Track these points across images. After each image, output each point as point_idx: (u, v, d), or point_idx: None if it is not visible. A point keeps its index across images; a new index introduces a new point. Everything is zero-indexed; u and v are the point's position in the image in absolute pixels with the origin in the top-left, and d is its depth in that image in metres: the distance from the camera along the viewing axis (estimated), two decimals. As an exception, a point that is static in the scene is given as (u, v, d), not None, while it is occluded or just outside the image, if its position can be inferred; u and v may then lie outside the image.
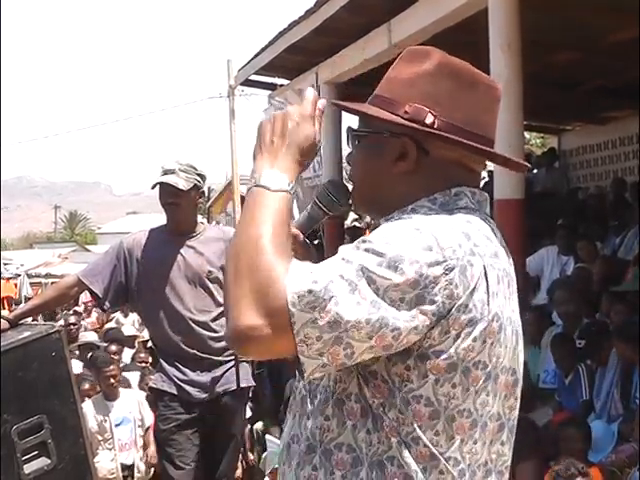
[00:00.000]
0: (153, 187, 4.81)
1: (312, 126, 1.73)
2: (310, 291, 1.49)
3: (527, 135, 19.32)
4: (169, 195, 4.77)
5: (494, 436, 1.70)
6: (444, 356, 1.57)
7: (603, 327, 6.74)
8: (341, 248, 1.58)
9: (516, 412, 1.77)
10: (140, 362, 8.96)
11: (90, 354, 8.85)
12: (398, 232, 1.58)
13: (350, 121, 1.93)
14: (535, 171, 14.57)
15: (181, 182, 4.71)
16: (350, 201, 1.89)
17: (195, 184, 4.77)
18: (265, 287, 1.49)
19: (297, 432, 1.72)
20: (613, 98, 12.23)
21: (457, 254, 1.57)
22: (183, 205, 4.78)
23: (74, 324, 11.75)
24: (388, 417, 1.60)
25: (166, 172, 4.75)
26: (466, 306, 1.57)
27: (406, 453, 1.59)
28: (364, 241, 1.56)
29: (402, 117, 1.73)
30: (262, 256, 1.53)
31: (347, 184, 1.92)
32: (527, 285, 8.25)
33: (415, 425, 1.59)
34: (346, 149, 1.90)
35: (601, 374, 6.35)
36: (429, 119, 1.72)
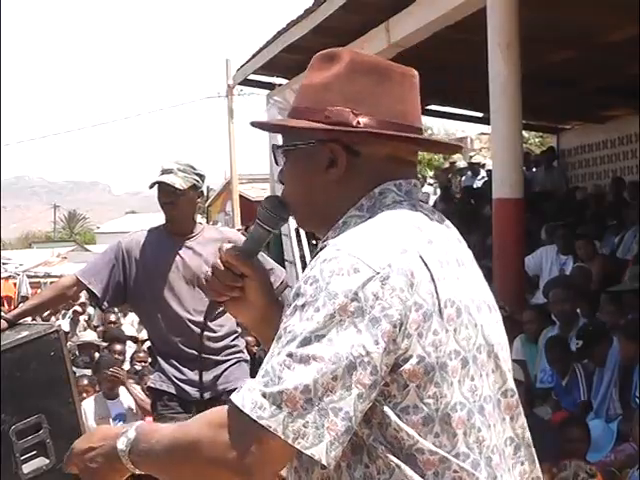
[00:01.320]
0: (151, 187, 4.80)
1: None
2: (264, 394, 1.47)
3: (526, 134, 19.32)
4: (167, 195, 4.76)
5: (499, 415, 1.66)
6: (416, 360, 1.53)
7: (600, 327, 6.74)
8: (284, 321, 1.53)
9: (510, 382, 1.71)
10: (139, 361, 8.95)
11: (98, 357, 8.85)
12: (323, 269, 1.52)
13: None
14: (534, 170, 14.58)
15: (178, 181, 4.70)
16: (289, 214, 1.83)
17: (193, 184, 4.76)
18: (213, 444, 1.52)
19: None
20: (612, 97, 12.25)
21: (387, 260, 1.53)
22: (181, 205, 4.77)
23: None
24: (385, 442, 1.54)
25: (164, 172, 4.74)
26: (415, 303, 1.53)
27: (410, 470, 1.54)
28: (297, 295, 1.53)
29: (324, 123, 1.68)
30: (176, 453, 1.58)
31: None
32: (525, 284, 8.25)
33: (415, 435, 1.54)
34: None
35: (599, 374, 6.35)
36: (352, 119, 1.67)
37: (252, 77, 13.04)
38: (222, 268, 1.81)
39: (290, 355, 1.47)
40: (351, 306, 1.48)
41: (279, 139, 1.83)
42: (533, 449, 1.73)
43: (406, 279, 1.53)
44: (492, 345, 1.66)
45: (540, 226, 10.41)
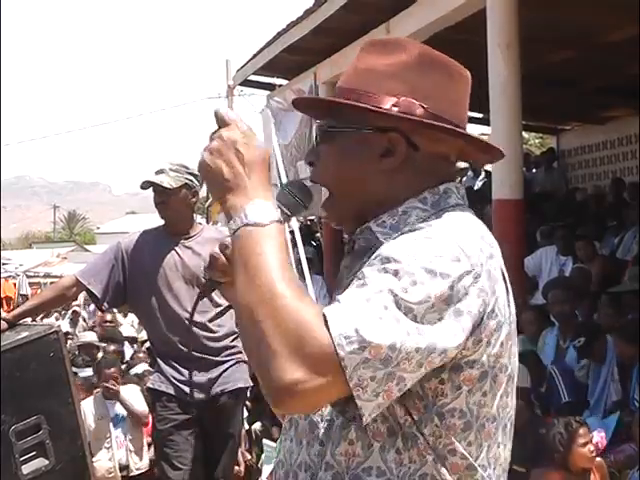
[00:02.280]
0: (141, 187, 4.83)
1: (256, 139, 1.57)
2: (357, 330, 1.38)
3: (526, 135, 19.32)
4: (158, 194, 4.79)
5: (509, 436, 1.68)
6: (477, 366, 1.52)
7: (595, 325, 6.75)
8: (367, 272, 1.45)
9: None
10: (144, 362, 8.95)
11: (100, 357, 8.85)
12: (423, 247, 1.48)
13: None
14: (534, 171, 14.57)
15: (167, 180, 4.72)
16: (321, 206, 1.72)
17: (185, 183, 4.77)
18: (302, 337, 1.37)
19: (306, 460, 1.61)
20: (612, 97, 12.25)
21: (481, 259, 1.51)
22: (173, 204, 4.77)
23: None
24: (423, 434, 1.53)
25: (156, 172, 4.77)
26: (492, 311, 1.52)
27: (442, 468, 1.54)
28: (389, 260, 1.45)
29: (390, 111, 1.62)
30: (285, 305, 1.40)
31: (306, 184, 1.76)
32: (525, 285, 8.25)
33: (452, 438, 1.53)
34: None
35: (596, 371, 6.35)
36: (420, 112, 1.62)
37: (252, 78, 13.03)
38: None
39: (386, 308, 1.40)
40: (445, 293, 1.44)
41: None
42: None
43: (491, 284, 1.52)
44: (513, 369, 1.65)
45: (540, 227, 10.41)
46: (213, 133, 1.56)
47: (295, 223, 9.77)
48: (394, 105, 1.62)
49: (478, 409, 1.55)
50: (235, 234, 1.48)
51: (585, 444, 4.90)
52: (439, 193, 1.65)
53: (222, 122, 1.57)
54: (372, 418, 1.45)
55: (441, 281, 1.44)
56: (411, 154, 1.64)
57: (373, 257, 1.49)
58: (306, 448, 1.62)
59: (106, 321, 12.24)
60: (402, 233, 1.56)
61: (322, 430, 1.59)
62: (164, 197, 4.77)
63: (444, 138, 1.65)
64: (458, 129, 1.65)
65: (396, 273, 1.43)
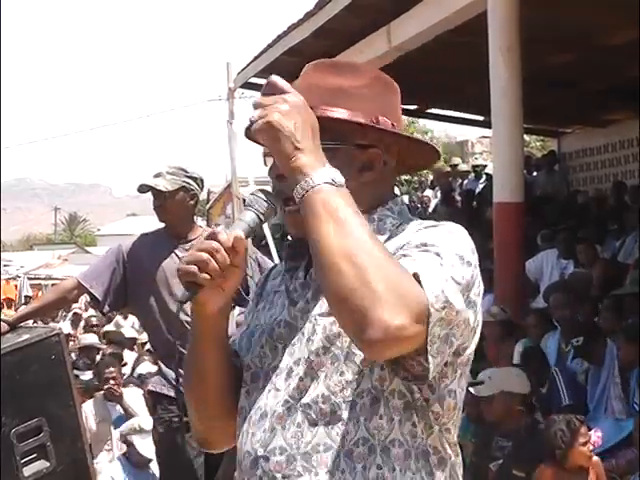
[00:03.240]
0: (138, 191, 4.82)
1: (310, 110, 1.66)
2: (442, 291, 1.52)
3: (527, 138, 19.31)
4: (154, 198, 4.79)
5: None
6: (468, 351, 1.67)
7: (596, 326, 6.74)
8: (414, 254, 1.59)
9: None
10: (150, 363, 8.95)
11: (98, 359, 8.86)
12: (449, 237, 1.64)
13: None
14: (535, 174, 14.56)
15: (162, 183, 4.72)
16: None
17: (182, 186, 4.76)
18: (405, 287, 1.48)
19: (324, 441, 1.66)
20: (613, 100, 12.24)
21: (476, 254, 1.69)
22: (170, 207, 4.77)
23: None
24: (431, 410, 1.67)
25: (154, 175, 4.77)
26: (479, 304, 1.67)
27: (444, 440, 1.70)
28: (426, 245, 1.61)
29: (389, 127, 1.78)
30: (386, 256, 1.51)
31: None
32: (526, 289, 8.25)
33: (447, 417, 1.70)
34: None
35: (595, 376, 6.35)
36: (392, 129, 1.79)
37: (253, 80, 13.01)
38: (224, 252, 1.65)
39: (447, 280, 1.55)
40: (469, 279, 1.61)
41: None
42: None
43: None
44: None
45: (541, 230, 10.40)
46: (263, 97, 1.64)
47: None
48: (375, 122, 1.77)
49: (461, 392, 1.72)
50: (314, 189, 1.56)
51: (585, 443, 4.93)
52: (400, 203, 1.84)
53: (278, 89, 1.64)
54: (432, 375, 1.57)
55: (467, 267, 1.61)
56: (382, 168, 1.80)
57: (402, 246, 1.64)
58: (325, 431, 1.66)
59: (93, 325, 12.31)
60: (397, 233, 1.74)
61: (345, 412, 1.66)
62: (161, 200, 4.77)
63: (395, 153, 1.82)
64: (430, 143, 1.87)
65: (438, 254, 1.58)
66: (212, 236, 1.65)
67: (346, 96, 1.76)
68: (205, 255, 1.63)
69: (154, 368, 7.82)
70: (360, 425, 1.65)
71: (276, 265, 1.99)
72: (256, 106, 1.64)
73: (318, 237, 1.53)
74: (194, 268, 1.64)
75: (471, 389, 5.40)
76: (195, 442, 1.95)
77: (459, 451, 1.75)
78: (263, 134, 1.62)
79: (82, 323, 14.81)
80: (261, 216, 1.72)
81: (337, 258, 1.50)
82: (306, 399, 1.68)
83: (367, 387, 1.65)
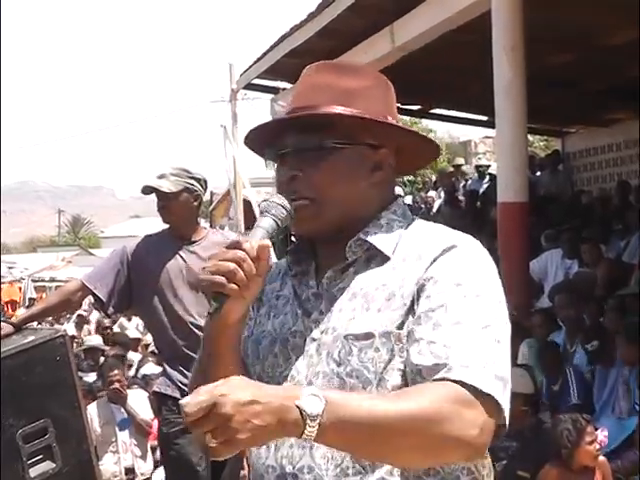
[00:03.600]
0: (142, 192, 4.82)
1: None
2: (495, 376, 1.57)
3: (531, 138, 19.31)
4: (158, 199, 4.79)
5: None
6: None
7: (605, 329, 6.74)
8: (456, 304, 1.62)
9: None
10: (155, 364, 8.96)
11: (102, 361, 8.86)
12: (477, 267, 1.71)
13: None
14: (539, 174, 14.55)
15: (166, 185, 4.71)
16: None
17: (186, 187, 4.76)
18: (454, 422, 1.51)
19: (354, 465, 1.63)
20: (614, 100, 12.24)
21: None
22: (173, 208, 4.77)
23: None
24: None
25: (157, 177, 4.77)
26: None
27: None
28: (459, 284, 1.64)
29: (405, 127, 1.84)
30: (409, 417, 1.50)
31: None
32: (531, 289, 8.24)
33: None
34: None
35: (601, 377, 6.34)
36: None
37: (256, 81, 13.03)
38: (250, 261, 1.59)
39: (496, 340, 1.61)
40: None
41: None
42: None
43: None
44: None
45: (545, 230, 10.39)
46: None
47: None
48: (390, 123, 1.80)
49: None
50: (324, 435, 1.44)
51: (591, 442, 4.93)
52: (402, 204, 1.85)
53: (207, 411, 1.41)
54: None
55: (503, 308, 1.68)
56: (390, 169, 1.82)
57: (437, 283, 1.64)
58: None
59: (105, 327, 12.29)
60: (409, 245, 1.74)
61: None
62: (165, 201, 4.77)
63: (394, 153, 1.83)
64: (433, 140, 1.89)
65: (477, 296, 1.63)
66: (236, 245, 1.60)
67: (356, 96, 1.76)
68: (232, 265, 1.57)
69: (158, 369, 7.84)
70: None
71: (271, 267, 1.89)
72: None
73: (367, 450, 1.52)
74: (222, 279, 1.57)
75: None
76: (200, 450, 1.89)
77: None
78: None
79: (93, 325, 14.79)
80: (279, 222, 1.70)
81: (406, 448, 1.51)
82: None
83: None
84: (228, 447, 1.40)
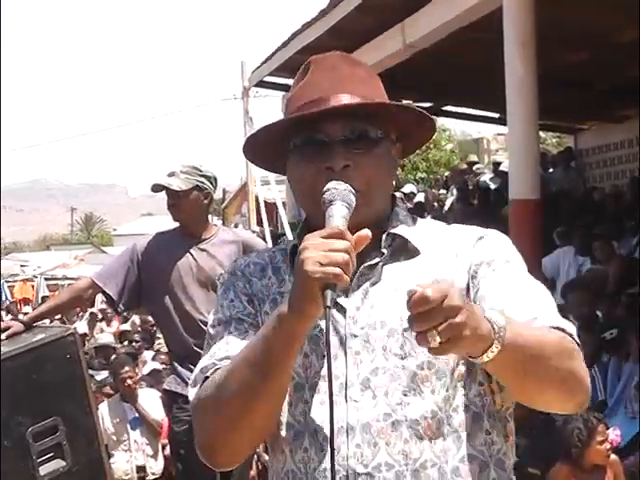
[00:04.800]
0: (152, 190, 4.82)
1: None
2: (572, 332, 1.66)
3: (543, 134, 19.24)
4: (169, 197, 4.79)
5: None
6: None
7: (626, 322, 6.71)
8: (518, 270, 1.77)
9: None
10: (161, 363, 8.97)
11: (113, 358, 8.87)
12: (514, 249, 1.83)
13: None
14: (551, 171, 14.50)
15: (176, 183, 4.71)
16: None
17: (197, 185, 4.76)
18: (575, 361, 1.62)
19: (430, 457, 1.61)
20: (629, 96, 12.18)
21: None
22: (184, 206, 4.76)
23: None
24: (507, 419, 1.74)
25: (167, 175, 4.76)
26: None
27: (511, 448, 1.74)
28: (510, 260, 1.77)
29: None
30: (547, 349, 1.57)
31: None
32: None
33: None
34: None
35: (617, 368, 6.31)
36: None
37: (268, 79, 13.02)
38: (352, 248, 1.50)
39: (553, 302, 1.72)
40: None
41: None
42: None
43: None
44: None
45: (558, 227, 10.36)
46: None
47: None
48: None
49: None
50: (505, 350, 1.45)
51: (603, 442, 4.90)
52: (397, 197, 1.88)
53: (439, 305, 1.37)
54: None
55: None
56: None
57: (491, 264, 1.72)
58: (429, 446, 1.62)
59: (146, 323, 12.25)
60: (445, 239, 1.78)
61: (446, 427, 1.64)
62: (175, 199, 4.76)
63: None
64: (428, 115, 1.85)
65: (524, 268, 1.78)
66: (340, 235, 1.50)
67: (370, 86, 1.78)
68: (347, 256, 1.47)
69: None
70: (462, 442, 1.64)
71: (249, 263, 1.86)
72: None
73: (532, 366, 1.55)
74: (338, 270, 1.46)
75: None
76: (203, 458, 1.75)
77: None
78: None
79: (130, 322, 14.75)
80: (350, 209, 1.64)
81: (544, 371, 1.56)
82: (414, 414, 1.62)
83: (465, 403, 1.66)
84: (451, 345, 1.36)
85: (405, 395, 1.62)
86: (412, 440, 1.61)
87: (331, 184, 1.64)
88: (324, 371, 1.65)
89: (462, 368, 1.65)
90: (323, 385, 1.65)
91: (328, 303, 1.47)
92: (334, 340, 1.65)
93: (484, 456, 1.65)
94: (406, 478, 1.60)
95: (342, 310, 1.68)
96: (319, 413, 1.65)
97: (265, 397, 1.60)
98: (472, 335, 1.38)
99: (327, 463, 1.60)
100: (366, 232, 1.54)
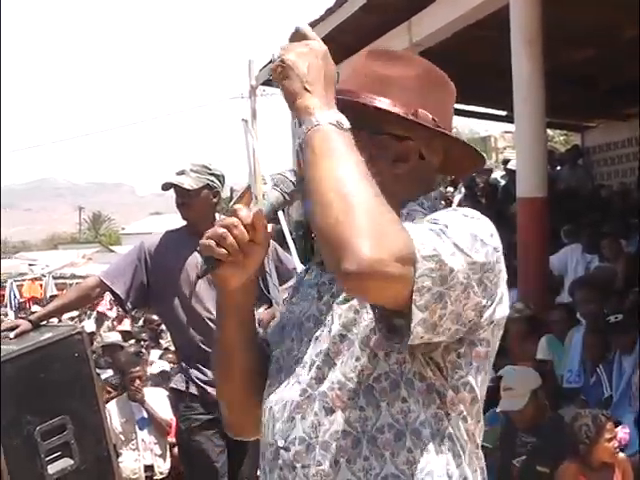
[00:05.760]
0: (163, 188, 4.83)
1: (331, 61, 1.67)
2: (433, 245, 1.50)
3: (550, 132, 19.21)
4: (178, 195, 4.79)
5: None
6: (485, 344, 1.66)
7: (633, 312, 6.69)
8: (422, 225, 1.57)
9: None
10: (169, 362, 8.98)
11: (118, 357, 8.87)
12: (464, 219, 1.60)
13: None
14: (558, 168, 14.48)
15: (187, 181, 4.72)
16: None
17: (207, 184, 4.77)
18: (391, 227, 1.47)
19: (344, 428, 1.64)
20: (630, 95, 12.16)
21: (501, 245, 1.64)
22: (194, 205, 4.77)
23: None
24: (448, 398, 1.65)
25: (177, 173, 4.77)
26: (501, 297, 1.63)
27: (462, 427, 1.67)
28: (436, 221, 1.57)
29: (427, 121, 1.75)
30: (378, 195, 1.50)
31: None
32: (551, 283, 8.20)
33: (464, 408, 1.66)
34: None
35: (621, 360, 6.30)
36: (433, 124, 1.76)
37: (275, 77, 13.04)
38: (242, 228, 1.65)
39: (456, 246, 1.52)
40: (481, 260, 1.56)
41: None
42: None
43: (504, 269, 1.64)
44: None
45: (565, 224, 10.34)
46: (291, 41, 1.67)
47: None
48: (413, 115, 1.74)
49: (480, 387, 1.68)
50: (316, 127, 1.56)
51: (611, 439, 4.89)
52: (432, 199, 1.80)
53: (303, 37, 1.67)
54: (415, 336, 1.52)
55: (482, 246, 1.57)
56: (418, 162, 1.78)
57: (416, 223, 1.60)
58: (342, 417, 1.65)
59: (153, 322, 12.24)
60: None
61: (363, 397, 1.64)
62: (185, 198, 4.77)
63: (439, 151, 1.80)
64: (473, 146, 1.82)
65: (445, 227, 1.55)
66: (232, 212, 1.67)
67: (389, 85, 1.76)
68: (221, 230, 1.65)
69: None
70: (382, 410, 1.63)
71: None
72: (280, 48, 1.67)
73: (313, 173, 1.54)
74: (211, 242, 1.65)
75: (504, 406, 5.35)
76: (226, 428, 2.00)
77: (478, 442, 1.72)
78: (276, 72, 1.66)
79: (140, 322, 14.74)
80: (286, 196, 1.73)
81: (328, 192, 1.50)
82: (323, 387, 1.68)
83: (385, 371, 1.64)
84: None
85: (319, 369, 1.69)
86: (321, 412, 1.66)
87: (285, 171, 1.75)
88: (299, 354, 1.74)
89: (376, 336, 1.63)
90: (294, 367, 1.75)
91: (198, 272, 1.73)
92: (311, 326, 1.75)
93: (399, 424, 1.63)
94: (316, 450, 1.65)
95: (320, 297, 1.78)
96: (283, 391, 1.75)
97: (221, 347, 1.85)
98: (294, 79, 1.62)
99: (267, 437, 1.75)
100: (259, 210, 1.67)
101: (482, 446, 1.75)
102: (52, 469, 4.14)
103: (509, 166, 14.52)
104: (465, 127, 32.14)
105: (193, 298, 4.71)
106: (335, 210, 1.47)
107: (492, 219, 1.68)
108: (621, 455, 5.03)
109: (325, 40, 1.68)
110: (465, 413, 1.66)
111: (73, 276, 28.25)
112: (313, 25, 9.85)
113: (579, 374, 6.75)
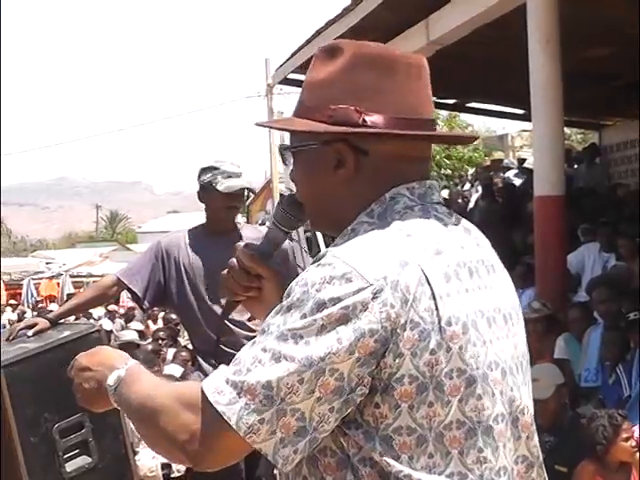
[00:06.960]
0: (235, 192, 4.72)
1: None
2: (227, 380, 1.48)
3: (567, 131, 19.14)
4: (236, 199, 4.72)
5: (512, 434, 1.61)
6: (408, 380, 1.47)
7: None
8: (265, 320, 1.54)
9: (526, 398, 1.66)
10: (182, 361, 8.98)
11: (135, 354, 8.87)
12: (314, 275, 1.49)
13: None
14: (576, 167, 14.44)
15: (248, 184, 4.75)
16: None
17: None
18: (180, 412, 1.53)
19: None
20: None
21: (382, 273, 1.47)
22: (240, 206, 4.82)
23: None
24: (370, 462, 1.50)
25: (235, 175, 4.68)
26: (412, 321, 1.46)
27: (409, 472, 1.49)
28: (287, 295, 1.52)
29: (327, 122, 1.61)
30: (149, 405, 1.59)
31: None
32: (568, 282, 8.18)
33: (405, 459, 1.49)
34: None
35: (639, 362, 6.28)
36: (357, 118, 1.59)
37: (291, 76, 13.03)
38: (237, 268, 1.82)
39: (264, 350, 1.47)
40: (337, 313, 1.45)
41: (287, 138, 1.78)
42: (544, 469, 1.70)
43: (400, 295, 1.47)
44: (505, 361, 1.61)
45: (582, 223, 10.31)
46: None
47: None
48: (329, 115, 1.61)
49: (429, 421, 1.49)
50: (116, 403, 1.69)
51: (628, 439, 4.88)
52: (385, 202, 1.62)
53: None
54: (283, 455, 1.47)
55: (330, 306, 1.45)
56: (362, 161, 1.62)
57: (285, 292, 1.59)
58: None
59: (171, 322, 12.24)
60: None
61: (306, 469, 1.58)
62: (242, 202, 4.78)
63: (385, 136, 1.61)
64: (393, 131, 1.60)
65: (289, 308, 1.49)
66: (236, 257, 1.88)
67: (313, 88, 1.67)
68: (225, 274, 1.88)
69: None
70: None
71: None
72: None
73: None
74: (224, 286, 1.87)
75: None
76: None
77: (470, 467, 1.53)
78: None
79: (160, 321, 14.73)
80: (283, 228, 1.82)
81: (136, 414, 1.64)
82: None
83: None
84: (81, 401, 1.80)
85: None
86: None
87: (280, 199, 1.91)
88: None
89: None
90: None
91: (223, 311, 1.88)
92: None
93: None
94: None
95: None
96: None
97: None
98: (87, 393, 1.77)
99: None
100: (252, 259, 1.87)
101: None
102: (70, 467, 4.16)
103: (526, 165, 14.50)
104: (482, 125, 32.03)
105: (209, 296, 4.71)
106: (152, 433, 1.61)
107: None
108: (638, 454, 5.01)
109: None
110: (410, 467, 1.49)
111: (90, 275, 28.37)
112: (330, 24, 9.87)
113: (596, 373, 6.73)
